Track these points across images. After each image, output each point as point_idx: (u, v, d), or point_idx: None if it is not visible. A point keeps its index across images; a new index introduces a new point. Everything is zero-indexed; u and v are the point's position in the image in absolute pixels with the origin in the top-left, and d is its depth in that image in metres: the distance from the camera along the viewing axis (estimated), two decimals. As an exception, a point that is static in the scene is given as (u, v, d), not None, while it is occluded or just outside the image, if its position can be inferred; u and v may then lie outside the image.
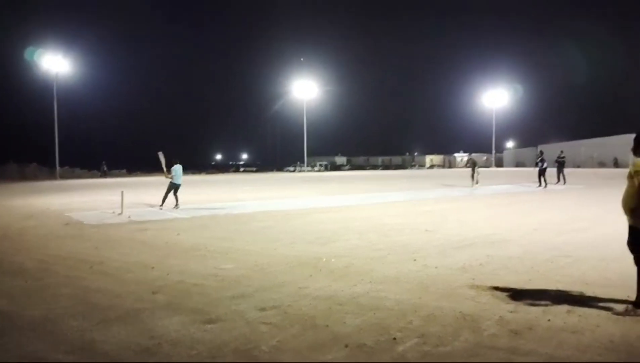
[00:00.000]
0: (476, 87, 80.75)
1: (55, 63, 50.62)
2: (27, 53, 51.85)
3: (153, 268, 6.70)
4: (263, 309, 4.81)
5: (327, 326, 4.31)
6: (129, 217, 12.73)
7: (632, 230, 4.64)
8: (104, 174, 51.80)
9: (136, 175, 56.72)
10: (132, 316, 4.67)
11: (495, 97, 73.92)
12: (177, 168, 14.70)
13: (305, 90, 68.49)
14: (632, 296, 4.68)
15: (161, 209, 14.34)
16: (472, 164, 24.72)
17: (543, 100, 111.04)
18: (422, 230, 9.80)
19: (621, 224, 4.94)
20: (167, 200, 14.74)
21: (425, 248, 7.89)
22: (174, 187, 14.62)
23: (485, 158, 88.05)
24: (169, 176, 14.61)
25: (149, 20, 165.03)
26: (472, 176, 24.07)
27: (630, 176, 4.57)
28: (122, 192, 14.25)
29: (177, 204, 14.62)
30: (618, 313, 4.50)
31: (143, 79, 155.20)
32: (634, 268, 4.63)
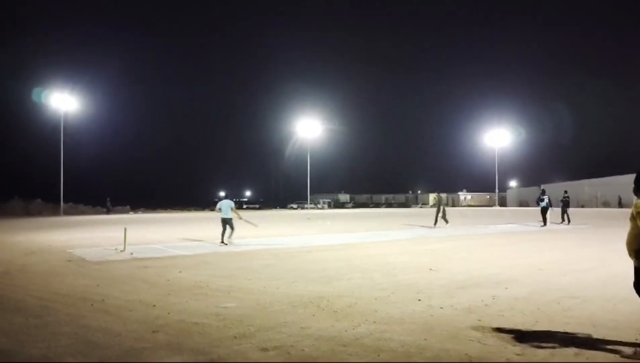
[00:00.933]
0: (479, 127, 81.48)
1: (62, 101, 51.55)
2: (35, 94, 52.93)
3: (154, 306, 6.63)
4: (265, 349, 4.73)
5: (330, 368, 4.23)
6: (131, 254, 12.68)
7: (637, 271, 4.60)
8: (108, 211, 51.86)
9: (139, 212, 56.82)
10: (133, 355, 4.60)
11: (498, 137, 74.47)
12: (222, 203, 15.46)
13: (309, 129, 69.22)
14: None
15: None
16: (438, 203, 23.76)
17: (546, 139, 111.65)
18: (426, 269, 9.71)
19: (627, 264, 4.89)
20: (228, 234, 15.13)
21: (430, 288, 7.80)
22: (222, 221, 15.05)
23: (488, 197, 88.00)
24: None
25: (155, 59, 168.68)
26: (437, 216, 23.04)
27: (633, 218, 4.57)
28: (124, 229, 14.24)
29: (222, 240, 14.98)
30: (627, 356, 4.41)
31: (148, 116, 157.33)
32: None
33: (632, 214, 4.58)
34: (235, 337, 5.15)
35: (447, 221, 22.92)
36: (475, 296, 7.07)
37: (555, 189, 36.64)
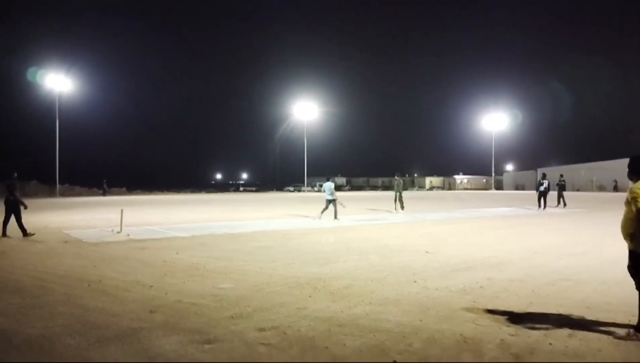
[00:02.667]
0: (477, 111, 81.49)
1: (57, 82, 51.11)
2: (30, 73, 52.40)
3: (151, 287, 6.66)
4: (262, 329, 4.77)
5: (327, 348, 4.27)
6: (128, 235, 12.69)
7: (631, 254, 4.63)
8: (105, 193, 51.77)
9: (136, 193, 56.75)
10: (130, 335, 4.62)
11: (495, 121, 74.37)
12: (325, 185, 17.41)
13: (306, 111, 68.92)
14: (634, 321, 4.64)
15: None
16: (396, 187, 22.31)
17: (543, 123, 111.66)
18: (422, 252, 9.76)
19: (622, 248, 4.92)
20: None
21: (426, 270, 7.84)
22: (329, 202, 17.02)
23: (484, 180, 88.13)
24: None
25: (152, 41, 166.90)
26: (396, 200, 21.82)
27: (628, 202, 4.59)
28: (121, 210, 14.23)
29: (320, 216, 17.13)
30: (620, 337, 4.46)
31: (145, 98, 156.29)
32: (636, 292, 4.60)
33: (627, 198, 4.61)
34: (232, 317, 5.18)
35: (403, 207, 21.71)
36: (471, 279, 7.12)
37: (551, 173, 36.67)
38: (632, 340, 4.39)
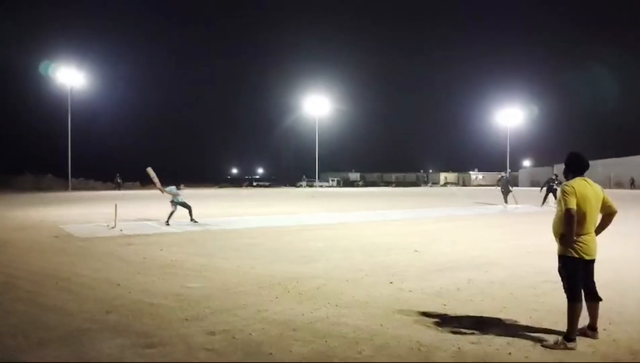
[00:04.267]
0: (492, 106, 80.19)
1: (69, 76, 51.58)
2: (42, 67, 52.98)
3: (118, 285, 6.51)
4: (212, 333, 4.57)
5: (271, 354, 4.05)
6: (121, 231, 12.63)
7: (560, 258, 4.41)
8: (118, 186, 52.24)
9: (149, 188, 57.11)
10: (74, 337, 4.46)
11: (511, 116, 73.19)
12: (173, 188, 14.57)
13: (318, 106, 68.67)
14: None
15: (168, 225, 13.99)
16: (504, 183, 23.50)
17: (560, 119, 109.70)
18: (411, 250, 9.48)
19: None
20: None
21: (407, 270, 7.58)
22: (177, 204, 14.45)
23: (500, 176, 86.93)
24: (163, 191, 14.52)
25: (166, 33, 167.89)
26: (505, 194, 22.81)
27: (559, 201, 4.41)
28: (115, 205, 14.20)
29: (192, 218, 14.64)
30: (547, 346, 4.19)
31: (160, 92, 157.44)
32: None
33: (559, 197, 4.37)
34: (187, 320, 4.99)
35: (506, 201, 22.88)
36: (450, 280, 6.84)
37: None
38: (560, 348, 4.12)
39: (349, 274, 7.29)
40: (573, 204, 4.20)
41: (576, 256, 4.31)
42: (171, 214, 14.23)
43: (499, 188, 24.53)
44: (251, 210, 21.25)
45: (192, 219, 14.56)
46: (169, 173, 15.31)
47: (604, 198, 4.42)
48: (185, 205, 14.52)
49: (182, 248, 9.86)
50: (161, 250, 9.56)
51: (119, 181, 52.91)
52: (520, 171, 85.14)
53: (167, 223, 13.83)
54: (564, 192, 4.28)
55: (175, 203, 14.34)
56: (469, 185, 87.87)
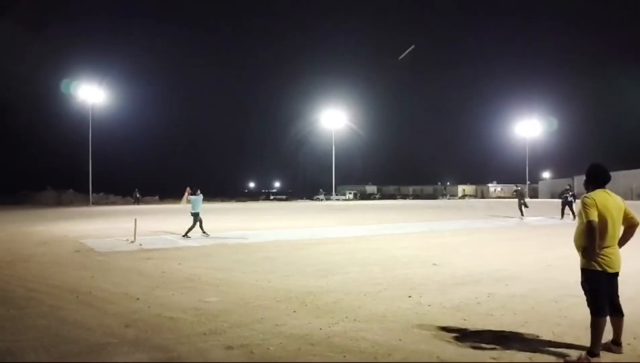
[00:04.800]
0: (510, 117, 79.36)
1: (90, 93, 52.68)
2: (64, 85, 54.18)
3: (138, 299, 6.56)
4: (230, 347, 4.57)
5: (289, 369, 4.04)
6: (140, 245, 12.75)
7: (584, 271, 4.40)
8: (137, 201, 52.88)
9: (167, 202, 57.65)
10: (94, 351, 4.50)
11: (529, 127, 72.49)
12: (196, 198, 14.80)
13: (334, 119, 68.90)
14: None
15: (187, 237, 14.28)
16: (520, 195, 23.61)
17: (580, 129, 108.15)
18: (429, 264, 9.39)
19: None
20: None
21: (426, 283, 7.50)
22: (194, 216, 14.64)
23: (517, 187, 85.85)
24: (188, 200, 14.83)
25: (183, 48, 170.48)
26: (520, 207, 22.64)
27: (579, 214, 4.36)
28: (135, 220, 14.35)
29: (203, 232, 14.78)
30: (570, 361, 4.12)
31: (178, 107, 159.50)
32: None
33: (579, 210, 4.29)
34: (205, 334, 5.01)
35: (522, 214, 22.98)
36: (470, 294, 6.75)
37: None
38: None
39: (366, 288, 7.24)
40: (594, 217, 4.13)
41: (599, 269, 4.23)
42: (191, 228, 14.42)
43: (516, 199, 24.26)
44: (268, 224, 21.29)
45: (203, 233, 14.74)
46: (184, 187, 15.62)
47: (625, 210, 4.33)
48: (195, 218, 14.62)
49: (199, 262, 9.91)
50: (179, 264, 9.62)
51: (137, 196, 53.57)
52: (540, 182, 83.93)
53: (187, 236, 14.00)
54: (584, 204, 4.21)
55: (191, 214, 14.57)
56: (488, 197, 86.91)
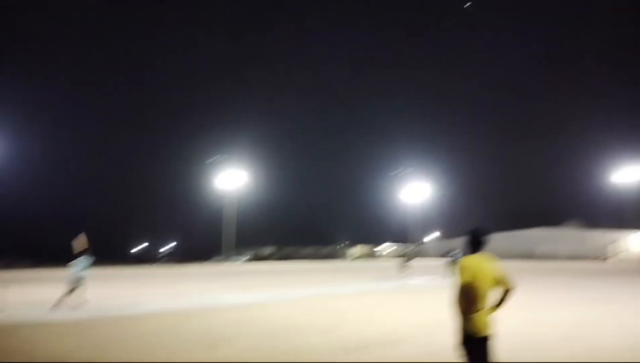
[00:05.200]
0: (398, 181, 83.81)
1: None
2: None
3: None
4: None
5: None
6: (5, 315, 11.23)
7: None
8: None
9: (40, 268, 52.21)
10: None
11: (413, 192, 77.23)
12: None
13: (227, 180, 68.52)
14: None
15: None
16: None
17: (462, 192, 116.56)
18: (315, 331, 9.24)
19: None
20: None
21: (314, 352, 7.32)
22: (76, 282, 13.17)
23: (409, 248, 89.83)
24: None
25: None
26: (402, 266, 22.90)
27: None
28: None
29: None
30: None
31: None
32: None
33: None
34: None
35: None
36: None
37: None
38: None
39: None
40: (466, 280, 4.28)
41: (470, 332, 4.33)
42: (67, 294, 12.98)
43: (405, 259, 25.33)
44: (156, 291, 20.00)
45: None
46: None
47: (499, 275, 4.52)
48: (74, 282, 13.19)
49: (69, 339, 8.89)
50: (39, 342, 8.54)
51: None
52: (428, 243, 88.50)
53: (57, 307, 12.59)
54: (459, 268, 4.37)
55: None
56: (382, 257, 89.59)
